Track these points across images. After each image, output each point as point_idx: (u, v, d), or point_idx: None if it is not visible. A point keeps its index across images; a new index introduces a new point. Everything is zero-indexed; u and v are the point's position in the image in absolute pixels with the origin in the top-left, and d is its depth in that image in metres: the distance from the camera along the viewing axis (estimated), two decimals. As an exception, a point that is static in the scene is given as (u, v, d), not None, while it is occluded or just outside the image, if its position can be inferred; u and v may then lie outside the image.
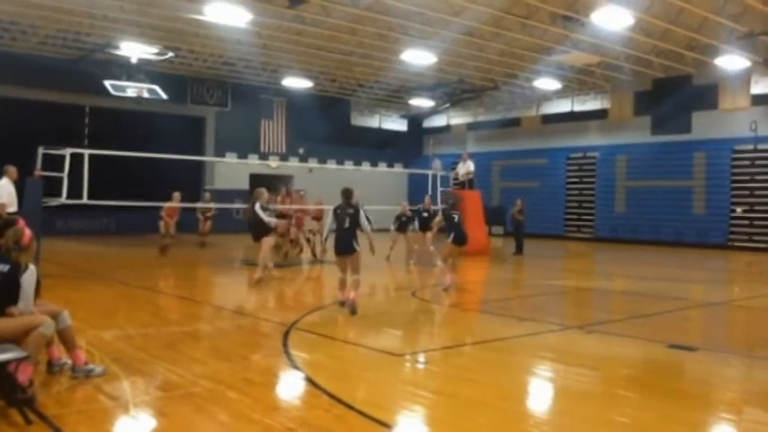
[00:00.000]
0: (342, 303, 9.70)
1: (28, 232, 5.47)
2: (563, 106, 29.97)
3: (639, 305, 11.55)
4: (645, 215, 26.60)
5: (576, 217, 29.48)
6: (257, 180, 28.46)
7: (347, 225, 9.53)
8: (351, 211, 9.58)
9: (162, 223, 17.64)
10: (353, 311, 9.30)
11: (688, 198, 25.80)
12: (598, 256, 23.39)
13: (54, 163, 14.40)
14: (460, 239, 12.47)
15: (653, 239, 25.89)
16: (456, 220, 12.57)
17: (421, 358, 7.20)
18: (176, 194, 18.12)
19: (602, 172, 28.70)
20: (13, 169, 12.18)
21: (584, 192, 29.25)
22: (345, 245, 9.58)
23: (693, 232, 25.23)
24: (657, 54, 22.79)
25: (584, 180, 29.29)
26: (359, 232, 9.72)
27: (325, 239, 13.23)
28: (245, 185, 27.93)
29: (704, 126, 25.26)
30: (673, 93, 25.13)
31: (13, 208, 11.90)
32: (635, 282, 14.99)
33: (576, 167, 29.64)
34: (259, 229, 12.61)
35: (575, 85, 28.10)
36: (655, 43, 21.36)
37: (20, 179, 12.52)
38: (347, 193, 9.73)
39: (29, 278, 5.28)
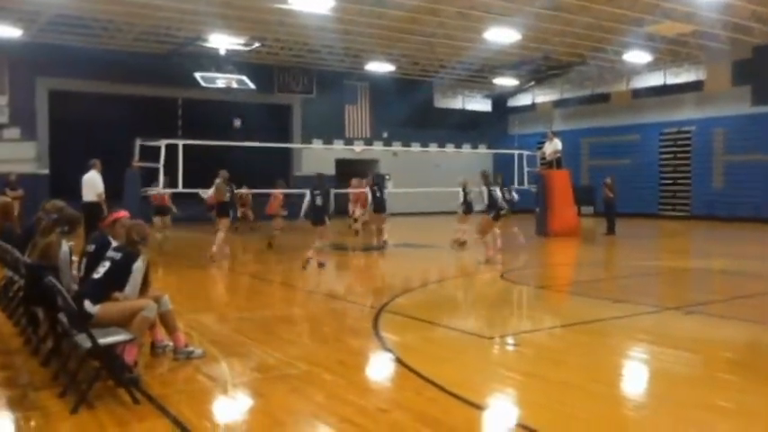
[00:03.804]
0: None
1: (148, 228, 5.99)
2: (655, 79, 28.74)
3: (740, 285, 11.04)
4: (744, 191, 25.28)
5: (670, 194, 28.38)
6: (343, 165, 28.88)
7: (320, 203, 12.46)
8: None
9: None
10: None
11: (792, 172, 24.36)
12: (694, 234, 22.47)
13: (150, 154, 15.11)
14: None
15: (753, 216, 24.54)
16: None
17: (510, 340, 7.14)
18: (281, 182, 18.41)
19: (697, 147, 27.43)
20: (98, 162, 13.89)
21: (679, 168, 28.08)
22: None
23: (797, 208, 23.83)
24: (757, 19, 21.51)
25: (679, 156, 28.10)
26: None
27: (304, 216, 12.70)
28: (331, 171, 28.29)
29: (810, 94, 23.75)
30: (775, 60, 23.71)
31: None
32: (735, 261, 14.30)
33: (669, 143, 28.47)
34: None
35: (667, 57, 26.89)
36: (754, 8, 20.18)
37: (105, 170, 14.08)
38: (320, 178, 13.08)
39: (139, 268, 5.58)
